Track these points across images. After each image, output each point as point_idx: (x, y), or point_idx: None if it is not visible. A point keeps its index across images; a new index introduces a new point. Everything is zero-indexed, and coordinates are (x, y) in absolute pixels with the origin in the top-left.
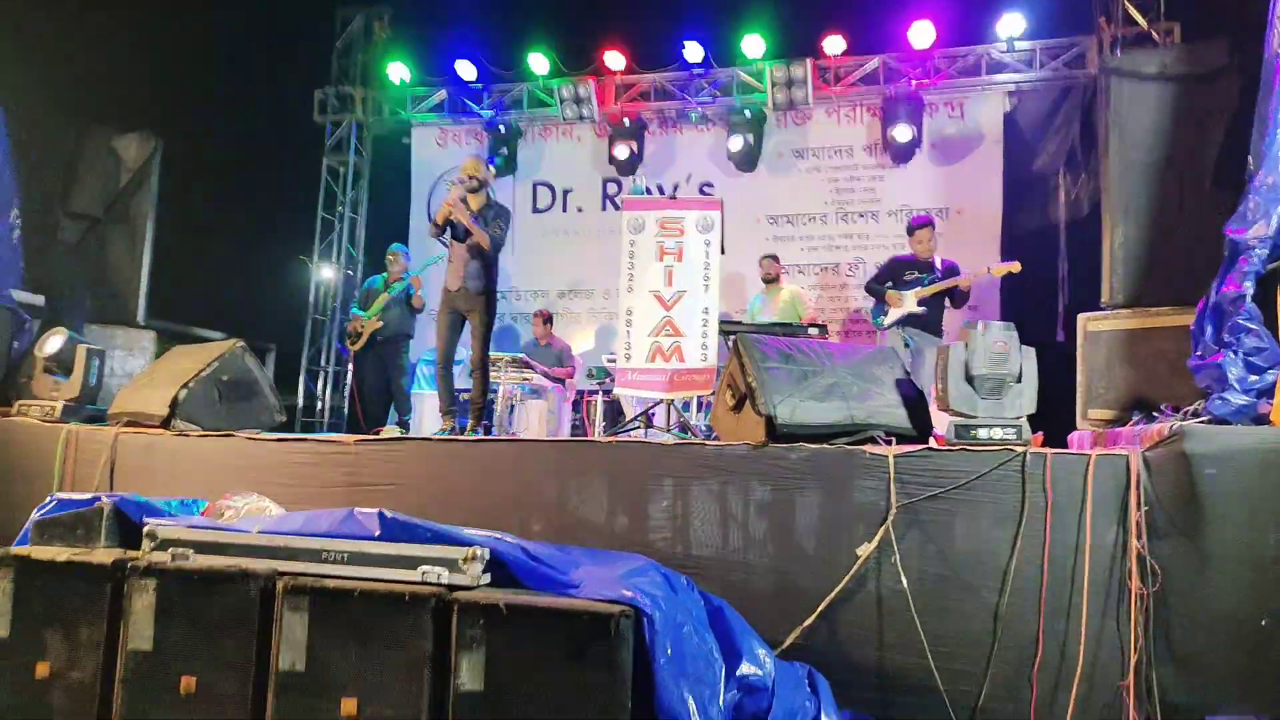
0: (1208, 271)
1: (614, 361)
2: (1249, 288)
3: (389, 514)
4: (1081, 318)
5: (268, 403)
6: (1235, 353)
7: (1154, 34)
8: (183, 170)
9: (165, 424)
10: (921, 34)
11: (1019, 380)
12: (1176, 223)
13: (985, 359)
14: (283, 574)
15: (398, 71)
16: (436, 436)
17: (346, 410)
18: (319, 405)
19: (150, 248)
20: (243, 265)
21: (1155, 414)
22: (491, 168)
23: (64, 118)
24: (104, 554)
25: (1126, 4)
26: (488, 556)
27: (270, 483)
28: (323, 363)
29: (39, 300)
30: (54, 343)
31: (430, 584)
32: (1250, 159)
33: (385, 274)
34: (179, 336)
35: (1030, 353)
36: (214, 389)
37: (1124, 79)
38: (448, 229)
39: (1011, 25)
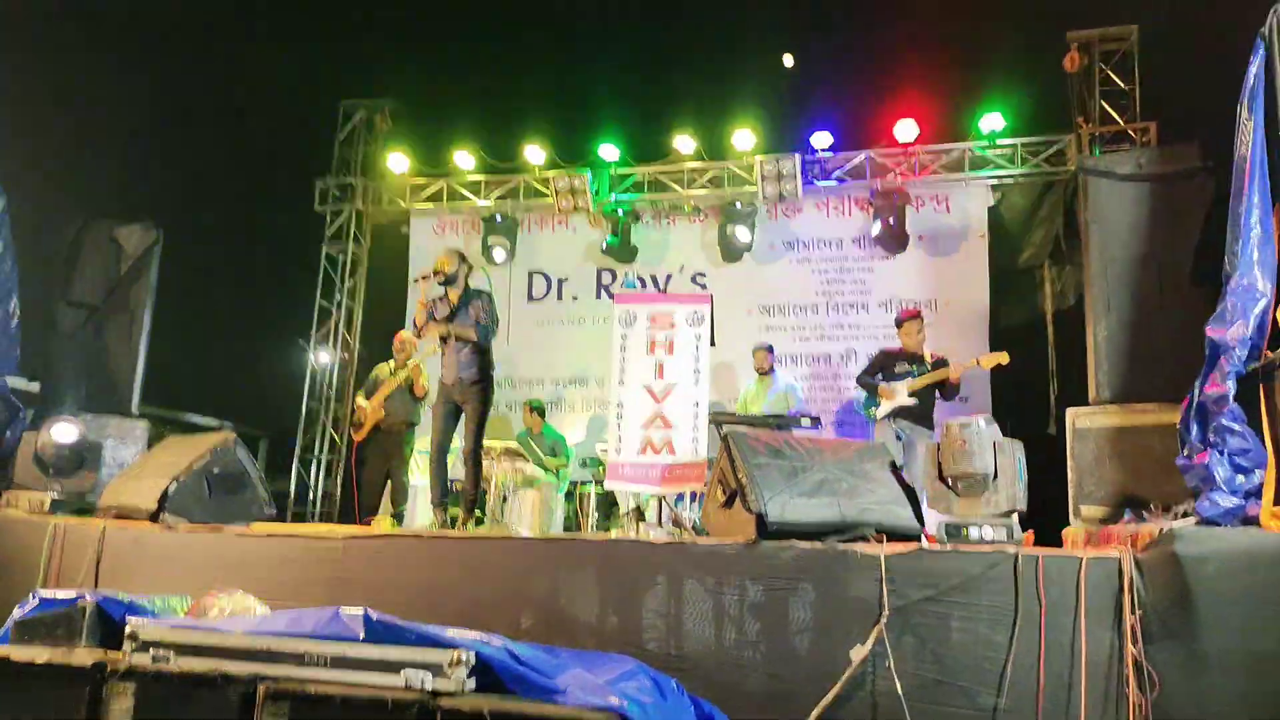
0: (1192, 368)
1: (606, 452)
2: (1231, 387)
3: (374, 615)
4: (1070, 413)
5: (257, 495)
6: (1221, 453)
7: (1130, 133)
8: (183, 258)
9: (154, 517)
10: (906, 130)
11: (995, 477)
12: (1158, 319)
13: (953, 457)
14: (264, 678)
15: (398, 162)
16: (426, 532)
17: (340, 499)
18: (311, 494)
19: (146, 336)
20: (239, 352)
21: (1145, 513)
22: (465, 264)
23: (68, 208)
24: (84, 655)
25: (1103, 104)
26: (473, 661)
27: (257, 578)
28: (316, 451)
29: (34, 387)
30: (47, 434)
31: (414, 689)
32: (1227, 260)
33: (392, 362)
34: (173, 423)
35: (1016, 446)
36: (204, 482)
37: (1102, 178)
38: (430, 325)
39: (992, 123)
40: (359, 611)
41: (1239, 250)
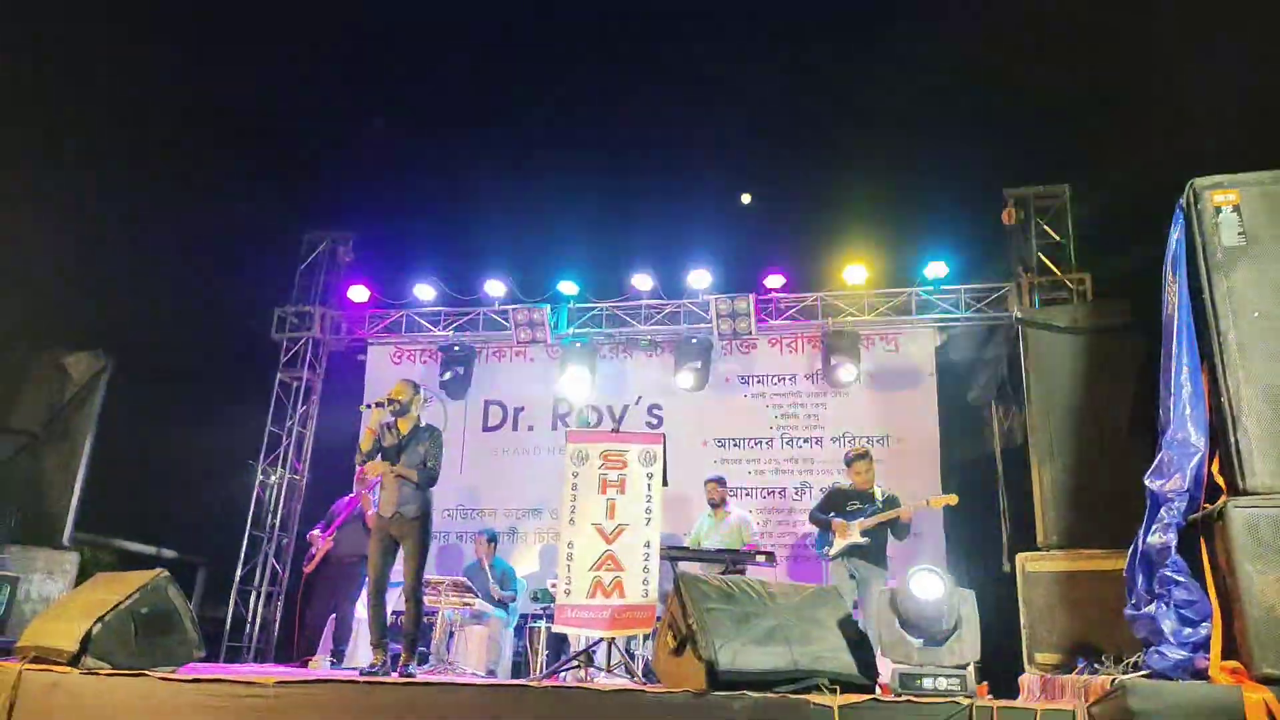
0: (1135, 515)
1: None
2: (1173, 538)
3: None
4: (1020, 558)
5: (187, 636)
6: (1167, 604)
7: (1067, 282)
8: (131, 384)
9: (75, 661)
10: (855, 274)
11: (955, 627)
12: (1101, 466)
13: (914, 608)
14: None
15: (358, 293)
16: (363, 676)
17: (278, 634)
18: (248, 626)
19: (86, 464)
20: (182, 479)
21: (1097, 664)
22: (419, 395)
23: (14, 334)
24: None
25: (1040, 255)
26: None
27: None
28: (257, 580)
29: None
30: None
31: None
32: (1161, 413)
33: (352, 492)
34: (107, 549)
35: (969, 596)
36: (131, 622)
37: (1041, 330)
38: (375, 455)
39: (937, 270)
40: None
41: (1172, 406)
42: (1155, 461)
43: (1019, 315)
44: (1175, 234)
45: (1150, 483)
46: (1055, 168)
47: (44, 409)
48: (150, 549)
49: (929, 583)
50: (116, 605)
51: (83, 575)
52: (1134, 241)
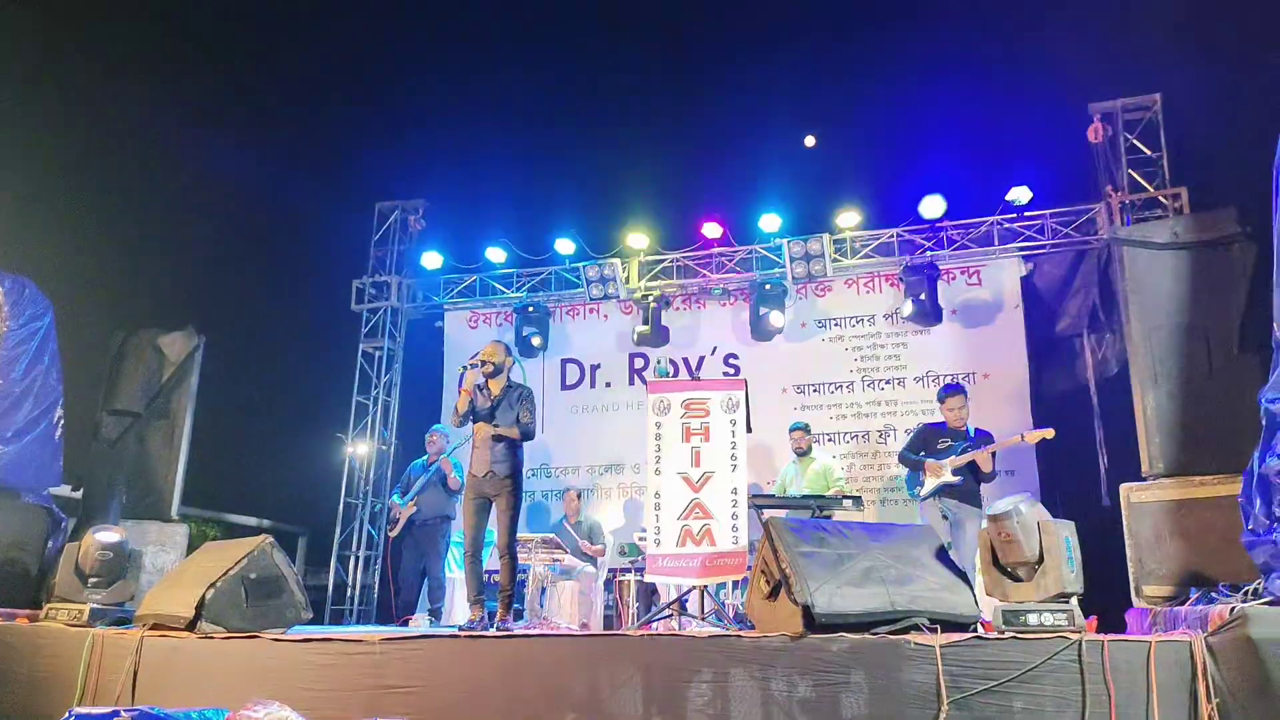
0: (1248, 438)
1: (645, 540)
2: None
3: None
4: (1124, 489)
5: (294, 599)
6: None
7: (1161, 199)
8: (223, 362)
9: (191, 626)
10: (932, 207)
11: (1040, 560)
12: (1208, 388)
13: (1001, 547)
14: None
15: (431, 260)
16: (463, 631)
17: (378, 595)
18: (350, 591)
19: (188, 440)
20: (277, 451)
21: (1214, 593)
22: (510, 358)
23: (112, 319)
24: None
25: (1131, 172)
26: None
27: (295, 686)
28: (354, 547)
29: (77, 496)
30: (89, 544)
31: None
32: (1276, 325)
33: (425, 457)
34: (214, 524)
35: (1065, 527)
36: (241, 588)
37: (1138, 248)
38: (470, 415)
39: (1019, 195)
40: None
41: None
42: (1271, 378)
43: (1114, 234)
44: None
45: (1267, 401)
46: (1142, 78)
47: (145, 389)
48: (252, 520)
49: (1002, 503)
50: (226, 572)
51: (191, 547)
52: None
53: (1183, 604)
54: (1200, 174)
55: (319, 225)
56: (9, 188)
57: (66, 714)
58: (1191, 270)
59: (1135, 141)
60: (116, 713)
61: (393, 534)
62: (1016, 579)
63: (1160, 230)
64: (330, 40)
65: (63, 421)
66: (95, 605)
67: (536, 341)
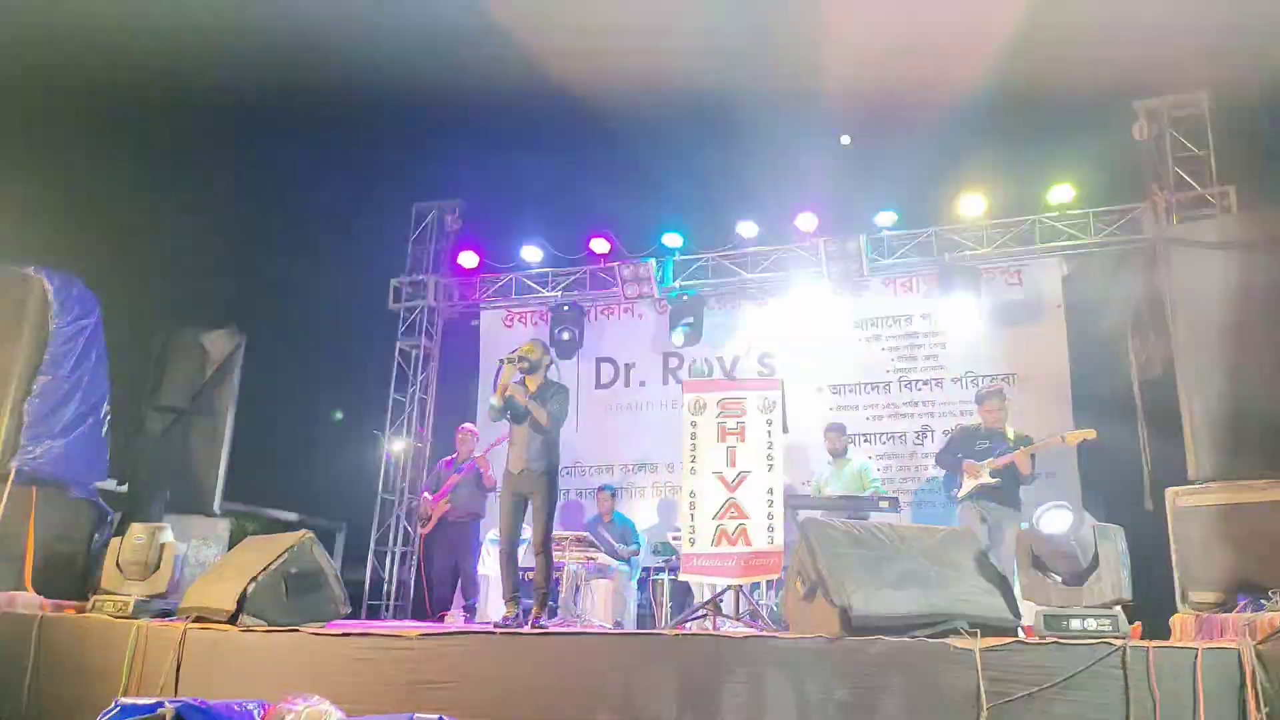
0: None
1: (679, 539)
2: None
3: None
4: (1169, 493)
5: (333, 594)
6: None
7: (1208, 197)
8: (264, 360)
9: (233, 619)
10: (972, 205)
11: (1095, 565)
12: (1257, 390)
13: (1047, 546)
14: None
15: (468, 259)
16: (499, 628)
17: (414, 590)
18: (386, 587)
19: (230, 437)
20: (316, 447)
21: (1263, 600)
22: (548, 356)
23: (157, 317)
24: None
25: (1177, 170)
26: None
27: (333, 680)
28: (390, 543)
29: (122, 490)
30: (133, 539)
31: None
32: None
33: (455, 454)
34: (255, 519)
35: (1115, 532)
36: (282, 582)
37: (1186, 247)
38: (507, 410)
39: (1062, 195)
40: (434, 718)
41: None
42: None
43: (1162, 233)
44: None
45: None
46: (1188, 75)
47: (189, 386)
48: (292, 515)
49: (1056, 518)
50: (267, 566)
51: (233, 542)
52: None
53: (1230, 610)
54: (1248, 172)
55: (358, 225)
56: (58, 187)
57: (113, 703)
58: (1240, 270)
59: (1182, 139)
60: (161, 703)
61: (425, 531)
62: (1070, 583)
63: (1208, 229)
64: (369, 42)
65: (109, 417)
66: (139, 598)
67: (570, 340)
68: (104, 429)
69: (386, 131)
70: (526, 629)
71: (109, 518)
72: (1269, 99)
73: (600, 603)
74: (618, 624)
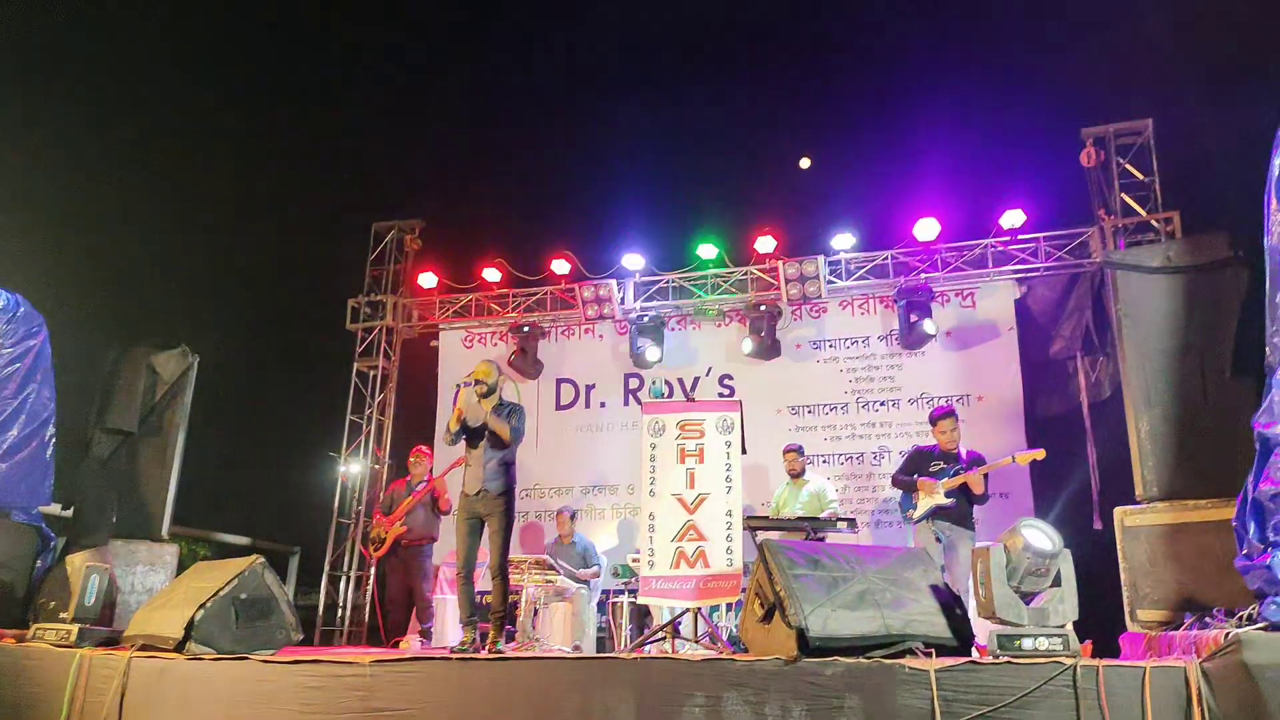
0: (1242, 462)
1: (639, 561)
2: None
3: None
4: (1118, 512)
5: (284, 620)
6: None
7: (1154, 223)
8: (216, 380)
9: (180, 647)
10: (926, 229)
11: (1057, 584)
12: (1202, 412)
13: (1028, 565)
14: None
15: (427, 280)
16: (455, 653)
17: (369, 615)
18: (340, 612)
19: (180, 459)
20: (270, 470)
21: (1208, 618)
22: (502, 377)
23: (106, 337)
24: None
25: (1124, 196)
26: None
27: (285, 710)
28: (345, 567)
29: (66, 514)
30: (70, 566)
31: None
32: (1268, 350)
33: (409, 475)
34: (205, 543)
35: (1065, 555)
36: (231, 608)
37: (1131, 271)
38: (464, 431)
39: (1013, 219)
40: None
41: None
42: (1264, 402)
43: (1108, 258)
44: (1277, 157)
45: (1259, 425)
46: (1134, 104)
47: (138, 408)
48: (243, 539)
49: (1041, 535)
50: (216, 592)
51: (182, 567)
52: (1226, 176)
53: (1177, 629)
54: (1192, 198)
55: (314, 245)
56: (3, 205)
57: None
58: (1184, 294)
59: (1128, 166)
60: None
61: (377, 555)
62: (1035, 603)
63: (1153, 254)
64: (328, 61)
65: (54, 439)
66: (83, 626)
67: (530, 360)
68: (49, 452)
69: (346, 150)
70: (483, 654)
71: (52, 543)
72: (1211, 126)
73: (559, 626)
74: (576, 647)
